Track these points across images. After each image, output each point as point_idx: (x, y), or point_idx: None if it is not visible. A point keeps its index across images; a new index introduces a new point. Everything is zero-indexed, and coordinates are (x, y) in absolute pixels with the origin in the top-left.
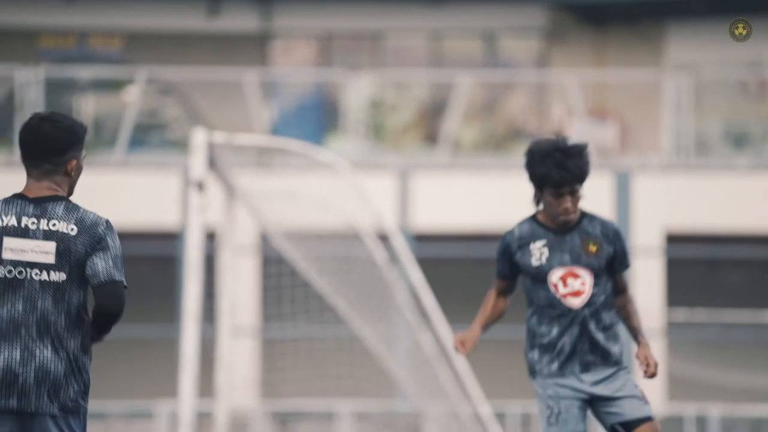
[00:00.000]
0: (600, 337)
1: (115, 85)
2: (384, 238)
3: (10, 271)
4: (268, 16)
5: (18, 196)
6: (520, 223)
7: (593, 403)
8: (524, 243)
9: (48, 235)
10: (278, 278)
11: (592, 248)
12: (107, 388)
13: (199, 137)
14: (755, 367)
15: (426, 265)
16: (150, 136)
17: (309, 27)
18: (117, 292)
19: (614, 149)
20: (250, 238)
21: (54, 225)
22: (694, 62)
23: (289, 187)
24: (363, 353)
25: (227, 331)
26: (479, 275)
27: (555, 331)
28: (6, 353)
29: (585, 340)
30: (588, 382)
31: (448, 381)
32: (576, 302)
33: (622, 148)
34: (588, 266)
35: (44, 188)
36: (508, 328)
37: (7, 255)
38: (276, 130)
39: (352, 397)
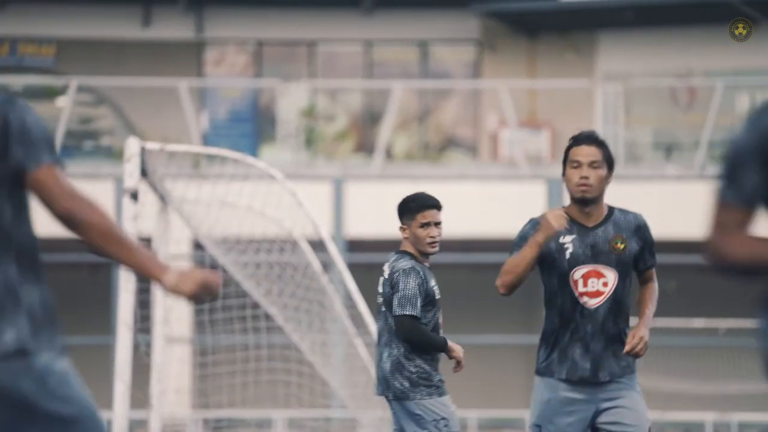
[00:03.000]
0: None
1: (47, 94)
2: (319, 246)
3: (377, 300)
4: (201, 25)
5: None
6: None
7: None
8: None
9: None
10: None
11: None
12: None
13: (133, 146)
14: (683, 372)
15: (360, 271)
16: (83, 144)
17: (242, 36)
18: (398, 323)
19: (546, 158)
20: (184, 246)
21: (385, 269)
22: (625, 72)
23: (223, 195)
24: (298, 361)
25: (160, 340)
26: None
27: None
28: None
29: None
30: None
31: None
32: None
33: (554, 157)
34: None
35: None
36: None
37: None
38: (210, 139)
39: (287, 405)
